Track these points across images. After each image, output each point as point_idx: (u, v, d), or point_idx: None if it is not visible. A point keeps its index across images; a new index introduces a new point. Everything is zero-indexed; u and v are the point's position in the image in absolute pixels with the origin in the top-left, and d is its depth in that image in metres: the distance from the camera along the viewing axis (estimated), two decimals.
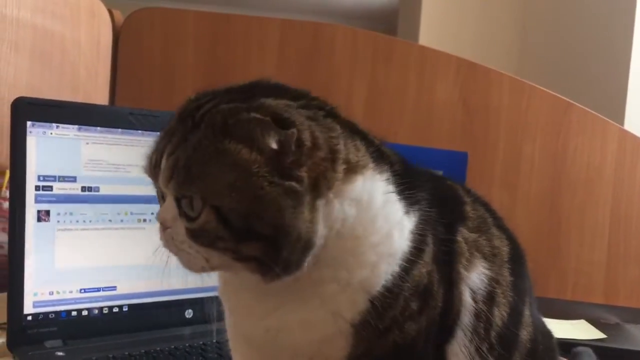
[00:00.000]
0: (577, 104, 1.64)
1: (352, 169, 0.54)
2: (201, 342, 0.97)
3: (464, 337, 0.59)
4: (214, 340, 0.97)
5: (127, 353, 0.91)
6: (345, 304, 0.54)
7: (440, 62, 1.65)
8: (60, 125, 0.96)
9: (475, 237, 0.61)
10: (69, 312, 0.95)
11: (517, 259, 0.65)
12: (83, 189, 0.98)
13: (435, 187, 0.61)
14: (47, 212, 0.94)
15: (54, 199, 0.95)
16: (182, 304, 1.03)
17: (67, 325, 0.95)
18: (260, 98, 0.54)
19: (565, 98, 1.64)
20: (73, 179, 0.97)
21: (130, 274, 1.01)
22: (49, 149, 0.94)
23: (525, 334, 0.64)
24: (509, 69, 1.81)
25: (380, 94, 1.66)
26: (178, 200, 0.53)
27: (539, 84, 1.68)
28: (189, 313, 1.04)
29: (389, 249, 0.55)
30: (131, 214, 1.02)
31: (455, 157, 1.58)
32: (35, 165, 0.93)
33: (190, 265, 0.55)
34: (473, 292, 0.59)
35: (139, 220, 1.02)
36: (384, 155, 0.58)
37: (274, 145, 0.51)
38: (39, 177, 0.93)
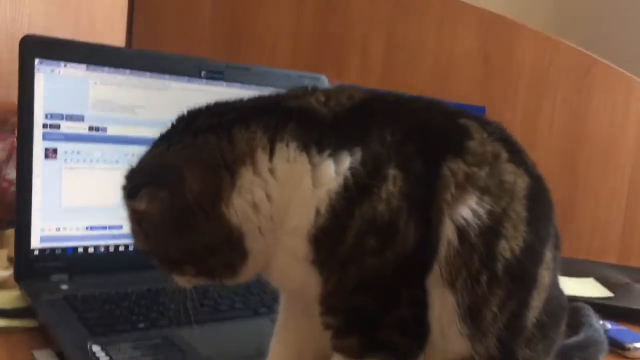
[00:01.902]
0: (601, 59, 1.59)
1: (233, 166, 0.59)
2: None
3: (444, 270, 0.59)
4: None
5: (129, 290, 0.93)
6: (296, 248, 0.59)
7: (462, 13, 1.61)
8: (69, 63, 0.96)
9: (474, 170, 0.60)
10: (75, 248, 0.98)
11: (538, 198, 0.64)
12: (90, 128, 0.98)
13: (418, 123, 0.62)
14: (55, 150, 0.95)
15: (62, 137, 0.96)
16: None
17: (73, 261, 0.97)
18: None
19: (589, 53, 1.59)
20: (81, 118, 0.97)
21: None
22: (56, 88, 0.95)
23: (545, 276, 0.63)
24: (537, 23, 1.75)
25: (398, 46, 1.63)
26: None
27: (569, 39, 1.62)
28: None
29: (306, 194, 0.58)
30: (138, 155, 1.03)
31: (472, 111, 1.55)
32: (42, 103, 0.94)
33: (181, 284, 0.67)
34: (460, 225, 0.58)
35: None
36: (293, 112, 0.61)
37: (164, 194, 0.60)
38: (46, 115, 0.94)
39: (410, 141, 0.59)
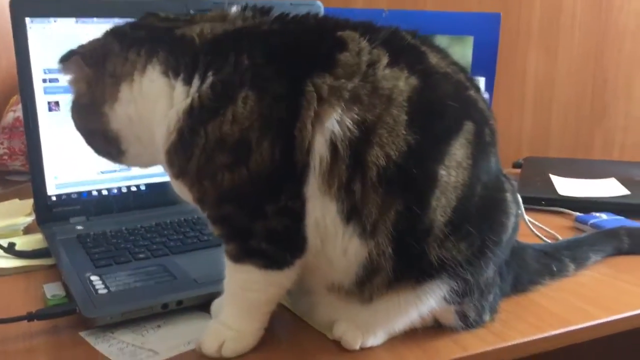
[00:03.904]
0: None
1: (120, 79, 0.67)
2: None
3: (320, 181, 0.61)
4: None
5: (139, 225, 1.00)
6: (163, 163, 0.67)
7: None
8: (58, 19, 1.01)
9: (341, 82, 0.60)
10: (89, 192, 1.05)
11: (428, 98, 0.63)
12: None
13: (286, 45, 0.64)
14: (57, 103, 1.02)
15: (62, 90, 1.02)
16: None
17: (89, 204, 1.05)
18: None
19: None
20: None
21: None
22: (50, 43, 1.00)
23: (451, 174, 0.63)
24: None
25: None
26: None
27: None
28: None
29: (161, 115, 0.65)
30: None
31: (487, 19, 1.50)
32: (39, 60, 1.00)
33: None
34: (330, 139, 0.60)
35: None
36: (170, 39, 0.66)
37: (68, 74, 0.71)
38: (44, 70, 1.00)
39: (273, 63, 0.62)
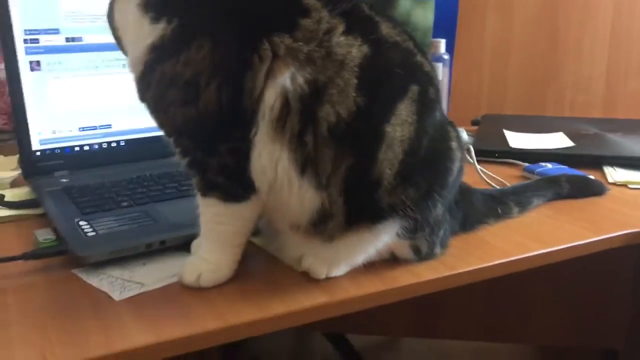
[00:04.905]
0: None
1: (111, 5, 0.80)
2: None
3: (270, 129, 0.69)
4: None
5: (121, 178, 1.07)
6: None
7: None
8: None
9: (299, 45, 0.68)
10: (72, 147, 1.12)
11: (378, 65, 0.71)
12: (67, 39, 1.09)
13: (253, 4, 0.71)
14: (38, 63, 1.07)
15: (42, 50, 1.07)
16: None
17: (71, 159, 1.11)
18: None
19: None
20: (56, 31, 1.08)
21: (123, 113, 1.15)
22: (29, 5, 1.05)
23: (397, 130, 0.71)
24: None
25: None
26: None
27: None
28: None
29: (136, 43, 0.74)
30: (116, 60, 1.14)
31: None
32: (20, 21, 1.05)
33: None
34: (281, 92, 0.68)
35: (123, 66, 1.13)
36: None
37: None
38: (25, 31, 1.05)
39: (234, 17, 0.70)
